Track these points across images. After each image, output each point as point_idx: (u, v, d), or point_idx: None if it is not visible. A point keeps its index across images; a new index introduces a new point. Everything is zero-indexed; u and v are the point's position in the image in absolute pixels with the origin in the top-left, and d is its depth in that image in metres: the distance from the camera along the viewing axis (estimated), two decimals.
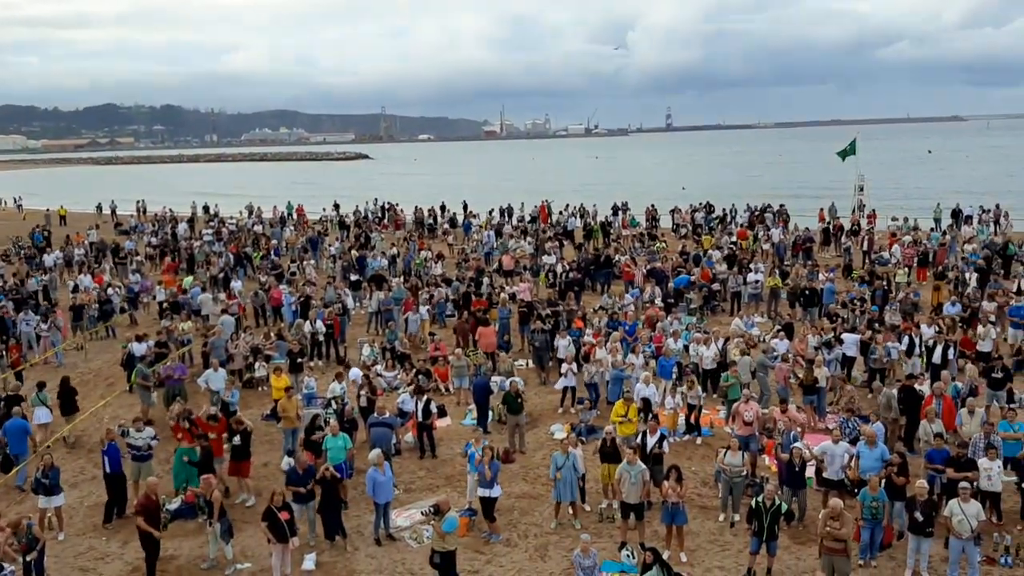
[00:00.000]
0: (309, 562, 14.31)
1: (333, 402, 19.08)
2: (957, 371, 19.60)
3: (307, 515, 14.84)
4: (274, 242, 43.60)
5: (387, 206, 55.68)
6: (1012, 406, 17.47)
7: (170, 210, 58.93)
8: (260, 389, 22.94)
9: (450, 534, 12.97)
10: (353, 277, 33.06)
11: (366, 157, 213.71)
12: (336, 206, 55.66)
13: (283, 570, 13.72)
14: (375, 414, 17.65)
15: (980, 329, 21.93)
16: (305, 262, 37.20)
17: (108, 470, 15.96)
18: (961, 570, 12.98)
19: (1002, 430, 15.50)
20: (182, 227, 50.21)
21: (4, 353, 25.97)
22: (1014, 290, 27.06)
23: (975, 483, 13.83)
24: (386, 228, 50.20)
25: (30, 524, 13.39)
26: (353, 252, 37.70)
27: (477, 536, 15.05)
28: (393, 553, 14.64)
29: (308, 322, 25.45)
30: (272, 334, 25.25)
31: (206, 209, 58.77)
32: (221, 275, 34.47)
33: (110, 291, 31.45)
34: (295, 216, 54.37)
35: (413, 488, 17.06)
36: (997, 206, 43.39)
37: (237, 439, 16.61)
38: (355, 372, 21.16)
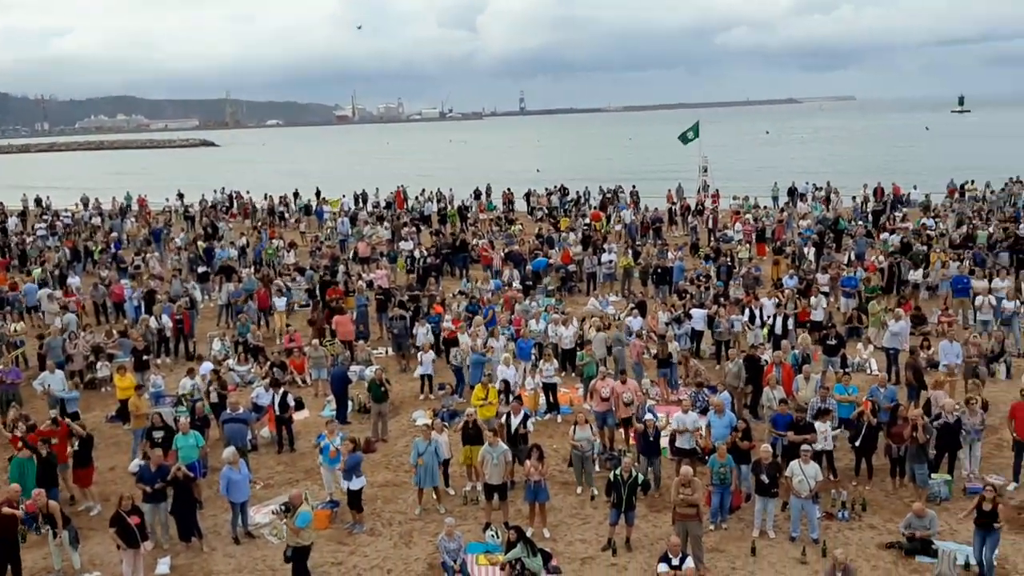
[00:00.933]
0: (163, 566, 13.72)
1: (183, 400, 18.33)
2: (796, 340, 20.71)
3: (159, 517, 14.21)
4: (114, 235, 41.32)
5: (235, 194, 53.75)
6: (845, 371, 18.69)
7: None
8: (103, 390, 21.79)
9: (304, 529, 12.72)
10: (201, 269, 31.75)
11: (211, 144, 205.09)
12: (180, 195, 53.17)
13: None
14: (228, 410, 17.05)
15: (812, 299, 23.31)
16: (149, 255, 35.43)
17: None
18: (802, 526, 13.81)
19: (837, 393, 16.57)
20: (12, 221, 46.82)
21: None
22: (845, 262, 28.92)
23: (814, 445, 14.69)
24: (235, 217, 48.48)
25: None
26: (200, 243, 36.21)
27: (340, 527, 14.82)
28: (253, 551, 14.23)
29: (153, 318, 24.27)
30: (114, 332, 23.94)
31: (38, 202, 54.88)
32: (56, 271, 32.37)
33: None
34: (136, 207, 51.64)
35: (272, 484, 16.62)
36: (828, 184, 46.12)
37: (75, 444, 15.70)
38: (206, 367, 20.38)
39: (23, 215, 49.99)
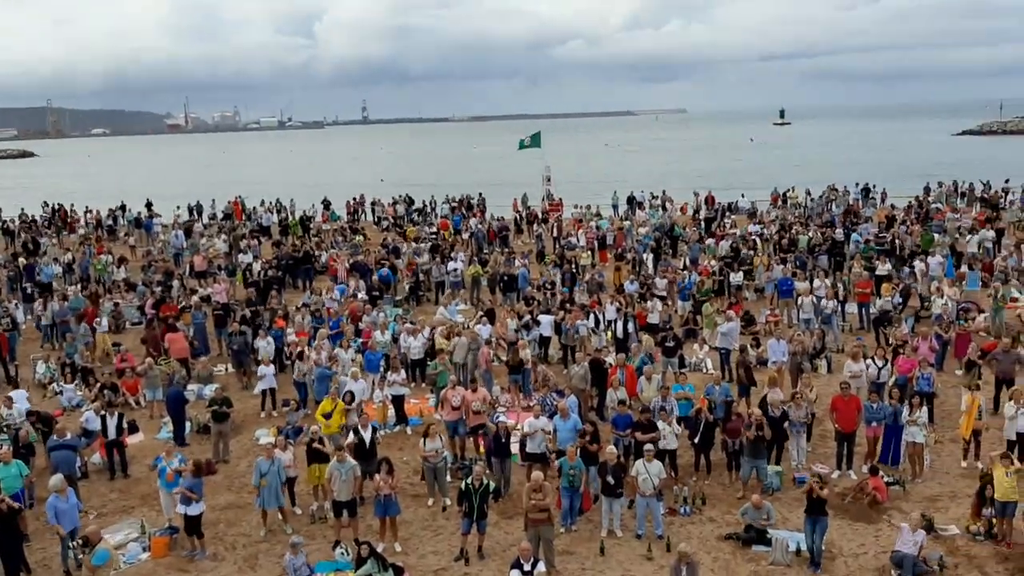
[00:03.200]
0: None
1: (2, 428, 16.98)
2: (636, 343, 21.42)
3: None
4: None
5: (58, 207, 50.39)
6: (683, 370, 19.48)
7: None
8: None
9: (102, 567, 12.01)
10: (27, 287, 29.48)
11: (31, 155, 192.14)
12: None
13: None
14: (55, 436, 15.90)
15: (648, 303, 24.20)
16: None
17: None
18: (648, 523, 14.27)
19: (675, 391, 17.21)
20: None
21: None
22: (681, 267, 30.20)
23: (657, 443, 15.21)
24: (57, 233, 45.42)
25: None
26: (21, 260, 33.71)
27: (179, 554, 14.11)
28: None
29: None
30: None
31: None
32: None
33: None
34: None
35: (105, 512, 15.66)
36: (664, 192, 48.08)
37: None
38: (20, 400, 18.95)
39: None
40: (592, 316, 23.19)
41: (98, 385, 20.25)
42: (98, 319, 25.36)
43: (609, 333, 22.62)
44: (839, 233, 33.45)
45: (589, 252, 34.71)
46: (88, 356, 22.72)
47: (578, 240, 36.80)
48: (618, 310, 23.44)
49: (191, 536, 14.12)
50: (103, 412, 17.18)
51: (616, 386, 17.42)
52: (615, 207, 48.04)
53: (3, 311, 25.34)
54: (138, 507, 15.85)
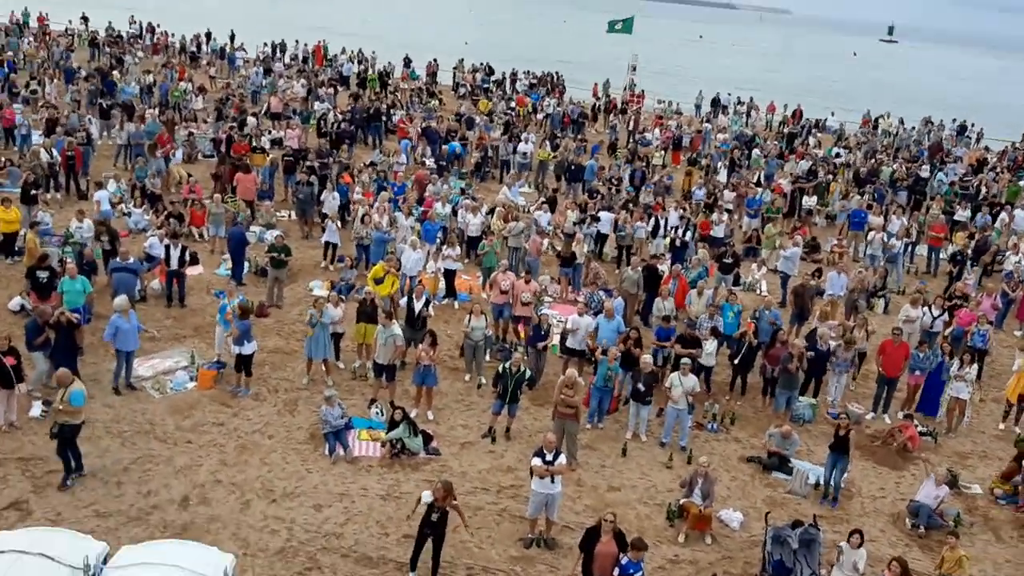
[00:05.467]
0: (36, 409, 13.50)
1: (69, 241, 17.68)
2: (694, 254, 21.23)
3: (37, 362, 13.85)
4: (9, 53, 38.52)
5: (147, 26, 50.54)
6: (735, 289, 19.33)
7: None
8: None
9: (78, 407, 11.75)
10: (105, 103, 29.93)
11: None
12: (84, 19, 49.56)
13: (7, 417, 12.94)
14: (118, 259, 16.51)
15: (715, 215, 23.81)
16: (48, 79, 33.30)
17: None
18: (674, 434, 14.52)
19: (724, 310, 17.09)
20: None
21: None
22: (754, 181, 29.47)
23: (696, 359, 15.28)
24: (143, 51, 45.77)
25: None
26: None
27: (224, 389, 14.79)
28: (133, 403, 14.13)
29: (44, 150, 22.93)
30: (3, 159, 22.68)
31: None
32: None
33: None
34: (35, 25, 48.08)
35: (158, 337, 16.32)
36: (752, 99, 46.50)
37: None
38: (102, 195, 19.68)
39: None
40: (653, 220, 22.92)
41: (165, 213, 20.76)
42: (173, 151, 25.73)
43: (668, 240, 22.39)
44: (924, 170, 32.21)
45: (663, 152, 34.01)
46: (157, 183, 23.16)
47: (653, 137, 36.03)
48: (681, 217, 23.13)
49: (239, 373, 14.76)
50: (167, 241, 17.70)
51: (665, 296, 17.38)
52: (698, 107, 46.71)
53: (81, 125, 25.89)
54: (190, 337, 16.53)
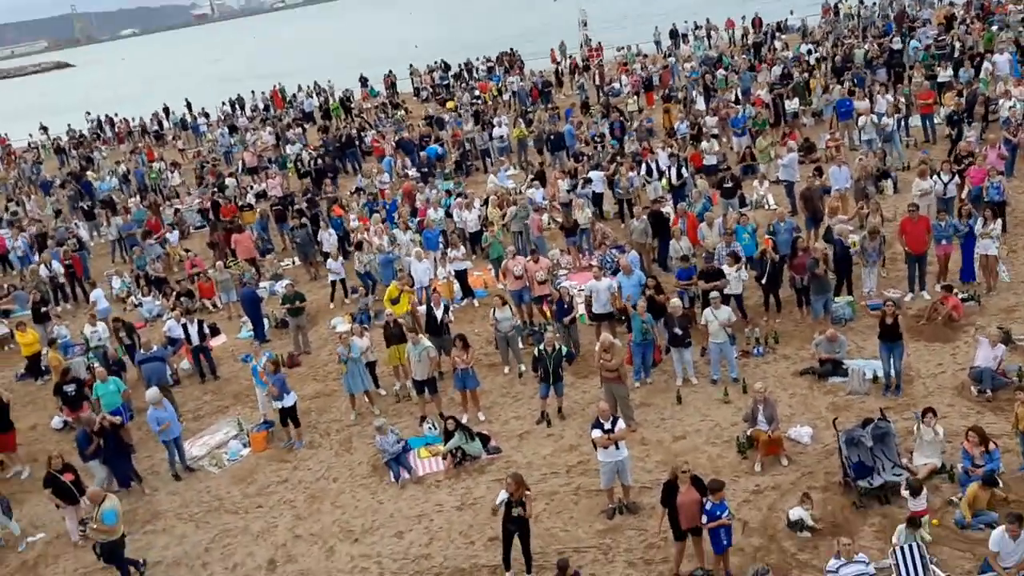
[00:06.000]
0: None
1: (90, 348, 17.83)
2: (693, 187, 21.09)
3: (95, 472, 13.96)
4: None
5: (105, 119, 50.70)
6: (743, 210, 19.19)
7: None
8: (5, 348, 21.00)
9: (114, 526, 11.61)
10: (85, 205, 30.09)
11: (68, 65, 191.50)
12: (44, 128, 49.82)
13: (79, 532, 13.03)
14: (142, 350, 16.63)
15: (704, 144, 23.63)
16: (25, 197, 33.52)
17: None
18: (722, 368, 14.47)
19: (738, 232, 16.93)
20: None
21: None
22: (732, 100, 29.25)
23: (723, 290, 15.18)
24: (107, 144, 45.98)
25: None
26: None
27: (278, 447, 14.89)
28: (195, 484, 14.25)
29: (43, 265, 23.10)
30: (5, 286, 22.90)
31: None
32: None
33: None
34: None
35: (201, 414, 16.49)
36: (708, 20, 46.01)
37: None
38: (102, 309, 20.00)
39: None
40: (644, 165, 22.78)
41: (174, 294, 20.88)
42: (168, 232, 25.82)
43: (664, 181, 22.26)
44: (896, 42, 31.83)
45: (635, 96, 33.79)
46: (159, 267, 23.29)
47: (622, 85, 35.79)
48: (671, 155, 22.97)
49: (286, 427, 14.84)
50: (183, 320, 17.80)
51: (678, 236, 17.28)
52: (657, 43, 46.30)
53: (69, 232, 26.02)
54: (232, 406, 16.65)
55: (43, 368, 18.86)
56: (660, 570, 10.63)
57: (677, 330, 14.26)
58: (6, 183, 39.15)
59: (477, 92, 39.76)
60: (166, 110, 49.14)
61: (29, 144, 48.10)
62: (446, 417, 13.84)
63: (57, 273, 22.94)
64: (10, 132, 50.47)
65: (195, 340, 17.58)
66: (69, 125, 48.96)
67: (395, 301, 17.02)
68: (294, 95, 47.92)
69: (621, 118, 29.36)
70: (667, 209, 19.82)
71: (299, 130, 36.94)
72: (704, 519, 9.97)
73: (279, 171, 30.00)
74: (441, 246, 20.72)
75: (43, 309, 20.56)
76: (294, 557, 12.01)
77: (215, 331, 19.49)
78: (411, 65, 49.21)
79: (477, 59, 48.13)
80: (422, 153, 28.97)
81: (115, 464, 14.13)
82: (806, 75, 29.96)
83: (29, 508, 14.13)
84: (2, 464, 15.45)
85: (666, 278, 17.32)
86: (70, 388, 15.66)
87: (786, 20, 44.68)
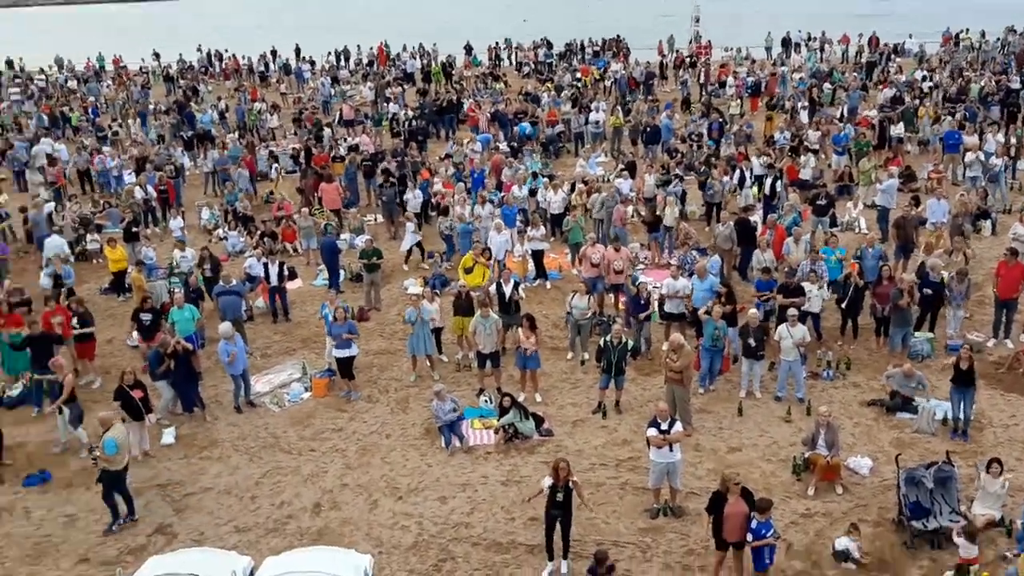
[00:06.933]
0: (168, 436, 14.11)
1: (174, 272, 18.39)
2: (786, 200, 20.68)
3: (162, 391, 14.47)
4: (91, 99, 40.22)
5: (214, 53, 51.95)
6: (833, 230, 18.75)
7: None
8: (94, 262, 21.79)
9: (115, 455, 11.67)
10: (185, 134, 30.95)
11: None
12: (156, 55, 51.33)
13: (141, 447, 13.53)
14: (221, 283, 17.09)
15: (802, 157, 23.11)
16: (130, 120, 34.64)
17: None
18: (789, 386, 14.24)
19: (826, 255, 16.59)
20: None
21: None
22: (837, 117, 28.51)
23: (801, 307, 14.90)
24: (213, 78, 47.12)
25: None
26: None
27: (336, 395, 15.20)
28: (255, 419, 14.64)
29: (138, 187, 23.91)
30: (101, 202, 23.74)
31: (9, 64, 52.84)
32: (35, 138, 31.57)
33: None
34: (111, 68, 50.00)
35: (270, 353, 16.91)
36: (823, 33, 44.89)
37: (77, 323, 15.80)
38: (175, 224, 21.14)
39: None
40: (738, 171, 22.40)
41: (259, 233, 21.40)
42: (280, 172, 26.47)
43: (756, 189, 21.85)
44: (1015, 81, 30.58)
45: (739, 100, 33.18)
46: (247, 205, 23.87)
47: (730, 86, 35.18)
48: (767, 165, 22.54)
49: (344, 378, 15.14)
50: (264, 259, 18.25)
51: (763, 247, 16.98)
52: (768, 49, 45.34)
53: (168, 158, 26.86)
54: (299, 349, 17.02)
55: (126, 286, 19.54)
56: None
57: (751, 341, 14.05)
58: (114, 103, 40.44)
59: (579, 75, 39.54)
60: (274, 53, 50.02)
61: (140, 68, 49.67)
62: (503, 393, 13.94)
63: (151, 196, 23.70)
64: (124, 56, 52.01)
65: (273, 280, 18.01)
66: (180, 54, 50.23)
67: (469, 271, 17.13)
68: (398, 54, 48.33)
69: (721, 119, 28.89)
70: (755, 218, 19.49)
71: (398, 90, 37.29)
72: (749, 537, 9.87)
73: (374, 127, 30.36)
74: (520, 224, 20.74)
75: (134, 229, 21.31)
76: (338, 504, 12.28)
77: (293, 274, 19.89)
78: (506, 39, 49.02)
79: (587, 41, 47.76)
80: (515, 128, 28.97)
81: (182, 388, 14.61)
82: (916, 101, 29.03)
83: (95, 418, 14.66)
84: (76, 372, 16.08)
85: (743, 288, 17.07)
86: (146, 317, 15.98)
87: (903, 43, 43.25)
